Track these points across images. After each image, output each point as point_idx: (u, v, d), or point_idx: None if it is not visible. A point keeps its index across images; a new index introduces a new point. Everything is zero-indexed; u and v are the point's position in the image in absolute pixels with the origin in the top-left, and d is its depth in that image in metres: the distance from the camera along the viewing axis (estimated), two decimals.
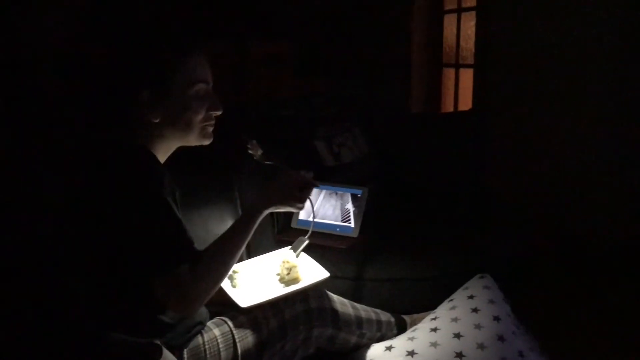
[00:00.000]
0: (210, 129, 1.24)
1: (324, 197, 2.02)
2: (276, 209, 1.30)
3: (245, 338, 1.25)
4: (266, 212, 1.26)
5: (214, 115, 1.23)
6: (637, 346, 1.84)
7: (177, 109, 1.16)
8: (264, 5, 3.53)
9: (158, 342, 1.07)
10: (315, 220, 1.77)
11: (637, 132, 2.32)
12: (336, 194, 2.02)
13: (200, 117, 1.20)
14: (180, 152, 1.26)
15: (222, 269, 1.15)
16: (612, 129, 2.39)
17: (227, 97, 1.24)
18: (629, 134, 2.35)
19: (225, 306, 1.31)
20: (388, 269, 1.78)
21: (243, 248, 1.20)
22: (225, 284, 1.37)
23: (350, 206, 1.98)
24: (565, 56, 2.50)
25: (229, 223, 1.38)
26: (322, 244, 1.79)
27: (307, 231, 1.49)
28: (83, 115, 1.16)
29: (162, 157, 1.22)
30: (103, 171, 1.08)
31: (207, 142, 1.25)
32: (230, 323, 1.26)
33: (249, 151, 1.29)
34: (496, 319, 1.45)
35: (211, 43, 1.20)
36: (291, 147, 2.10)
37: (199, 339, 1.22)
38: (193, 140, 1.23)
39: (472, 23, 3.03)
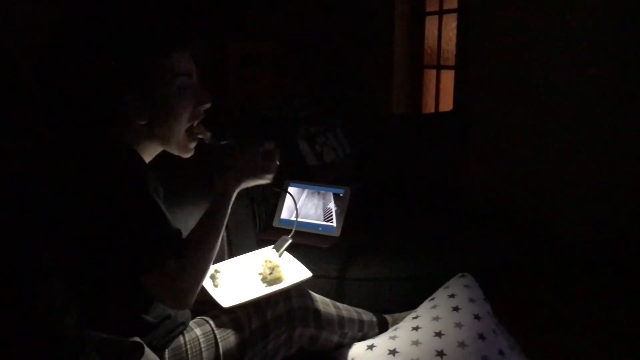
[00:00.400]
0: (193, 145, 1.23)
1: (306, 197, 2.02)
2: (247, 184, 1.29)
3: (227, 338, 1.24)
4: (237, 190, 1.25)
5: (203, 109, 1.21)
6: (618, 344, 1.87)
7: (163, 108, 1.14)
8: (245, 5, 3.52)
9: (140, 341, 1.06)
10: (298, 219, 1.77)
11: (619, 133, 2.36)
12: (318, 193, 2.02)
13: (188, 113, 1.18)
14: (162, 151, 1.25)
15: (206, 257, 1.14)
16: (593, 130, 2.42)
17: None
18: (610, 135, 2.38)
19: (207, 306, 1.30)
20: (370, 268, 1.79)
21: (222, 232, 1.19)
22: (207, 284, 1.36)
23: (332, 205, 1.98)
24: (546, 57, 2.53)
25: None
26: (304, 243, 1.79)
27: (289, 230, 1.49)
28: (68, 117, 1.13)
29: (148, 158, 1.20)
30: (87, 169, 1.06)
31: (186, 155, 1.24)
32: (212, 323, 1.26)
33: (198, 136, 1.26)
34: (477, 317, 1.47)
35: (191, 43, 1.17)
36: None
37: (181, 338, 1.21)
38: (175, 145, 1.20)
39: (454, 25, 3.06)
